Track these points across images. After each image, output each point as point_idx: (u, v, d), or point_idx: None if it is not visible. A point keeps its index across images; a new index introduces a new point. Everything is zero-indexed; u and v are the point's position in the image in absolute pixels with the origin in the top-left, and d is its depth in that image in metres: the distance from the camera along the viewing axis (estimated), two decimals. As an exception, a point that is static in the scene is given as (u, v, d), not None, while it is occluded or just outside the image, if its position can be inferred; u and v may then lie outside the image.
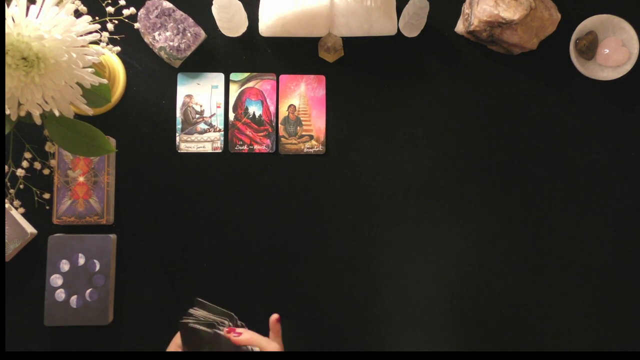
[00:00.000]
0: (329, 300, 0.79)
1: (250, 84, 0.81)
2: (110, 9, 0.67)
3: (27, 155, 0.70)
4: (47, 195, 0.74)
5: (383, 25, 0.79)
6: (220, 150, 0.80)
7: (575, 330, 0.80)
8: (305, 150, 0.81)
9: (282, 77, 0.82)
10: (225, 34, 0.81)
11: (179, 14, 0.78)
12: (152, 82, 0.81)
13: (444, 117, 0.82)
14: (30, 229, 0.76)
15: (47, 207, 0.76)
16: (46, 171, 0.71)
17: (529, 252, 0.81)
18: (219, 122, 0.81)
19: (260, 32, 0.81)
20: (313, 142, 0.81)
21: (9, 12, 0.52)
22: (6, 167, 0.68)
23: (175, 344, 0.66)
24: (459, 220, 0.81)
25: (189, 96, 0.81)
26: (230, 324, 0.67)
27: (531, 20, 0.77)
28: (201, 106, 0.81)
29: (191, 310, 0.67)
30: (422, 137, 0.82)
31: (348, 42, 0.81)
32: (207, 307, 0.67)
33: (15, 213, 0.75)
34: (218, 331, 0.64)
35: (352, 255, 0.80)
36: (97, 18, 0.64)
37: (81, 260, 0.75)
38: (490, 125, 0.82)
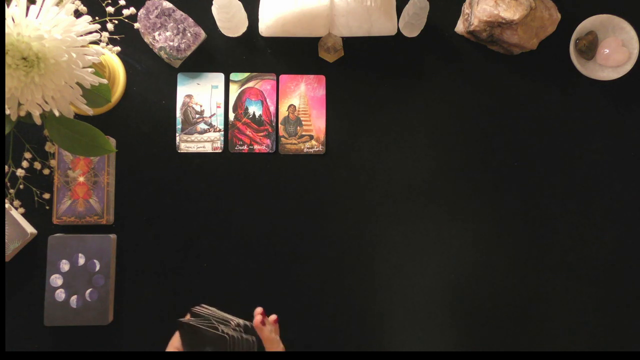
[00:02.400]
0: (329, 300, 0.79)
1: (250, 84, 0.81)
2: (110, 9, 0.67)
3: (27, 155, 0.70)
4: (47, 195, 0.74)
5: (383, 25, 0.79)
6: (220, 150, 0.80)
7: (575, 330, 0.80)
8: (305, 150, 0.81)
9: (282, 77, 0.82)
10: (225, 34, 0.81)
11: (179, 14, 0.78)
12: (152, 82, 0.81)
13: (444, 117, 0.82)
14: (30, 229, 0.76)
15: (47, 207, 0.76)
16: (46, 171, 0.71)
17: (529, 251, 0.81)
18: (219, 122, 0.81)
19: (260, 32, 0.81)
20: (313, 142, 0.81)
21: (9, 12, 0.52)
22: (6, 167, 0.68)
23: (173, 347, 0.64)
24: (458, 220, 0.81)
25: (189, 96, 0.81)
26: (234, 323, 0.65)
27: (531, 20, 0.77)
28: (201, 106, 0.81)
29: (194, 309, 0.65)
30: (422, 137, 0.82)
31: (348, 42, 0.81)
32: (208, 311, 0.66)
33: (15, 213, 0.75)
34: (223, 333, 0.63)
35: (352, 255, 0.80)
36: (97, 18, 0.64)
37: (81, 260, 0.75)
38: (490, 125, 0.82)
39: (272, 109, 0.81)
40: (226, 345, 0.61)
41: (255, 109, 0.81)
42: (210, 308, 0.66)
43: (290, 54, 0.82)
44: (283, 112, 0.81)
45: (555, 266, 0.81)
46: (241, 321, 0.65)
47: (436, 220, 0.81)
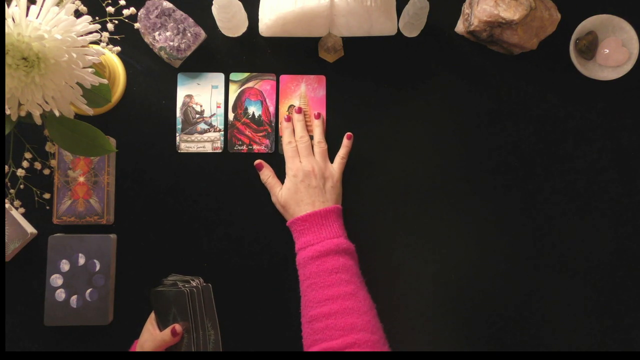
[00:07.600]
0: (329, 300, 0.79)
1: (250, 84, 0.81)
2: (110, 9, 0.67)
3: (27, 155, 0.70)
4: (47, 195, 0.74)
5: (383, 25, 0.79)
6: (220, 150, 0.80)
7: (575, 330, 0.80)
8: (305, 150, 0.81)
9: (282, 77, 0.82)
10: (225, 34, 0.81)
11: (179, 14, 0.78)
12: (152, 82, 0.81)
13: (444, 117, 0.82)
14: (30, 229, 0.76)
15: (47, 207, 0.76)
16: (46, 171, 0.71)
17: (530, 252, 0.81)
18: (219, 122, 0.81)
19: (260, 32, 0.81)
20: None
21: (9, 12, 0.52)
22: (6, 167, 0.68)
23: (150, 322, 0.71)
24: (459, 221, 0.81)
25: (189, 96, 0.81)
26: (197, 282, 0.71)
27: (531, 20, 0.77)
28: (201, 106, 0.81)
29: (164, 280, 0.73)
30: (422, 137, 0.82)
31: (348, 42, 0.81)
32: (175, 277, 0.73)
33: (15, 213, 0.75)
34: (183, 288, 0.67)
35: (352, 255, 0.80)
36: (97, 18, 0.64)
37: (81, 260, 0.75)
38: (490, 126, 0.82)
39: (272, 109, 0.81)
40: (185, 299, 0.66)
41: (254, 109, 0.81)
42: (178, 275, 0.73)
43: (290, 54, 0.82)
44: (283, 112, 0.81)
45: (555, 266, 0.81)
46: (200, 280, 0.73)
47: (436, 220, 0.81)
